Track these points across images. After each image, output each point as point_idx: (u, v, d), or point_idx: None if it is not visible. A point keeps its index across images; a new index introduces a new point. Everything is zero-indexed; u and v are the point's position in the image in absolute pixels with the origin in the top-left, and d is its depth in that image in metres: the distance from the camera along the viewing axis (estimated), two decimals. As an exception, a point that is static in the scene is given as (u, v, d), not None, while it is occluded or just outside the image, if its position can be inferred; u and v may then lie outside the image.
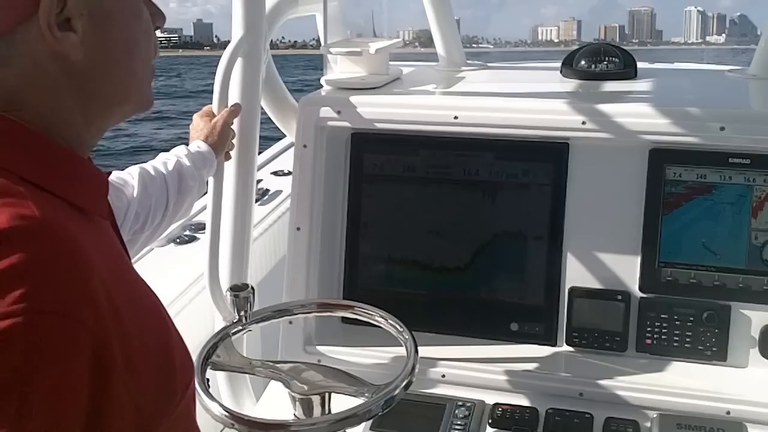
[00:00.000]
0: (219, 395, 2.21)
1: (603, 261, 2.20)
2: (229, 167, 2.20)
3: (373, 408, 1.55)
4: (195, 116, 2.19)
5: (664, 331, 2.15)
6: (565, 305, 2.22)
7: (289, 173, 3.30)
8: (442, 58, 2.98)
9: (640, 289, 2.17)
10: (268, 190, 3.71)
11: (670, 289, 2.16)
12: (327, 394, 1.68)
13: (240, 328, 1.87)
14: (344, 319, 2.30)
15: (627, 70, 2.59)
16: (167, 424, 1.10)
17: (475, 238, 2.29)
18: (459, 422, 2.02)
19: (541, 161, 2.23)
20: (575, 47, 2.91)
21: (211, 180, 2.12)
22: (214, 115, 2.14)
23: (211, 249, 2.10)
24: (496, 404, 2.09)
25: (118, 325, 0.99)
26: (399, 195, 2.34)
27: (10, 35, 1.03)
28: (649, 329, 2.16)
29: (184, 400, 1.16)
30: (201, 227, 3.09)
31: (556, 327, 2.23)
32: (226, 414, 1.58)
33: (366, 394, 1.62)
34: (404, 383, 1.61)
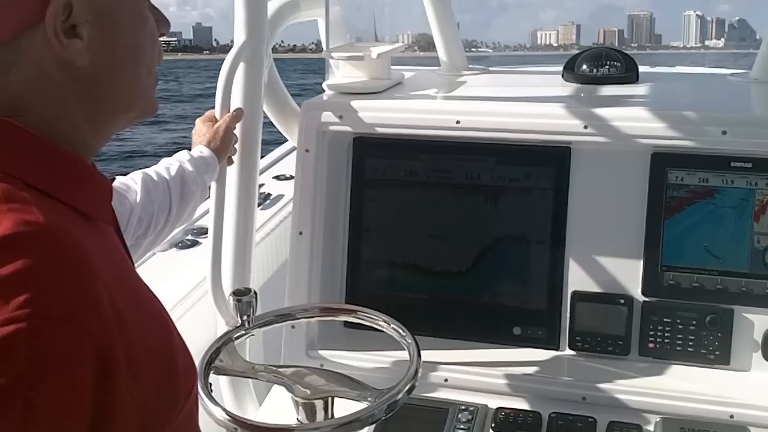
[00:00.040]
0: (222, 400, 2.21)
1: (605, 265, 2.20)
2: (232, 172, 2.20)
3: (376, 412, 1.56)
4: (197, 121, 2.19)
5: (666, 334, 2.15)
6: (568, 309, 2.22)
7: (291, 177, 3.30)
8: (443, 63, 2.99)
9: (643, 292, 2.17)
10: (270, 195, 3.71)
11: (673, 292, 2.15)
12: (330, 399, 1.68)
13: (243, 332, 1.87)
14: (347, 324, 2.30)
15: (628, 74, 2.59)
16: (170, 428, 1.10)
17: (477, 242, 2.29)
18: (462, 426, 2.02)
19: (543, 165, 2.24)
20: (574, 51, 2.91)
21: (213, 185, 2.12)
22: (216, 120, 2.14)
23: (214, 253, 2.10)
24: (499, 408, 2.09)
25: (122, 330, 0.99)
26: (401, 199, 2.34)
27: (16, 42, 1.03)
28: (651, 333, 2.16)
29: (187, 404, 1.16)
30: (203, 232, 3.09)
31: (559, 331, 2.23)
32: (229, 418, 1.58)
33: (369, 399, 1.62)
34: (407, 387, 1.61)
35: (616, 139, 2.12)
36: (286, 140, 3.00)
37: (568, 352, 2.23)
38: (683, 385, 2.08)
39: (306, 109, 2.35)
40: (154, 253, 2.96)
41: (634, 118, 2.12)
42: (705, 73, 3.65)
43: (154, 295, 1.21)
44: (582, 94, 2.49)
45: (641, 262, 2.17)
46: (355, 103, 2.30)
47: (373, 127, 2.29)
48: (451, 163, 2.29)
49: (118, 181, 1.89)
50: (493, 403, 2.11)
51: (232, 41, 2.18)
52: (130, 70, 1.17)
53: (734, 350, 2.12)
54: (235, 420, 1.59)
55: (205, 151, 2.07)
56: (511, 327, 2.27)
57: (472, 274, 2.29)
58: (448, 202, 2.30)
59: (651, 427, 2.02)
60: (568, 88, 2.57)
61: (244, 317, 1.86)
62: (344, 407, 1.61)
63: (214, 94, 2.13)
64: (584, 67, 2.60)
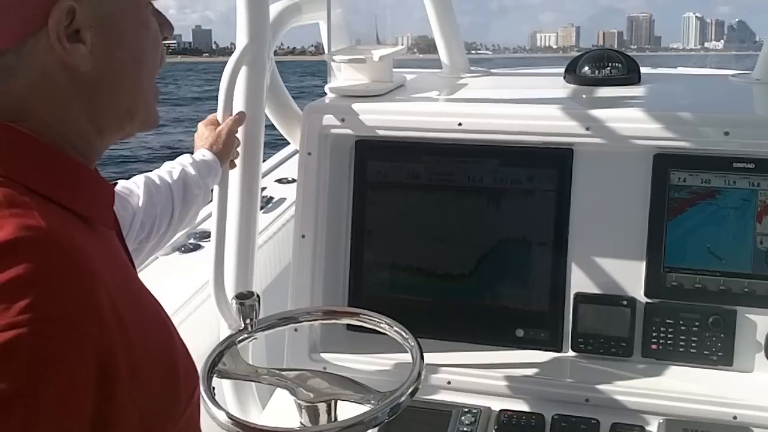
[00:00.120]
0: (225, 403, 2.21)
1: (608, 266, 2.20)
2: (234, 175, 2.20)
3: (379, 415, 1.55)
4: (200, 125, 2.19)
5: (669, 336, 2.14)
6: (571, 311, 2.22)
7: (293, 181, 3.30)
8: (445, 65, 2.99)
9: (646, 294, 2.17)
10: (272, 198, 3.71)
11: (676, 294, 2.15)
12: (333, 402, 1.68)
13: (246, 335, 1.87)
14: (350, 327, 2.30)
15: (630, 75, 2.59)
16: None
17: (479, 244, 2.29)
18: (465, 429, 2.02)
19: (545, 167, 2.23)
20: (574, 54, 2.91)
21: (216, 188, 2.13)
22: (218, 124, 2.14)
23: (217, 257, 2.10)
24: (502, 410, 2.08)
25: (123, 334, 0.99)
26: (403, 202, 2.34)
27: (19, 46, 1.03)
28: (654, 334, 2.16)
29: (188, 408, 1.16)
30: (206, 235, 3.09)
31: (562, 333, 2.23)
32: (233, 422, 1.58)
33: (372, 402, 1.62)
34: (410, 390, 1.61)
35: (619, 140, 2.12)
36: (286, 142, 3.00)
37: (571, 353, 2.23)
38: (686, 387, 2.08)
39: (308, 112, 2.35)
40: (157, 257, 2.97)
41: (636, 119, 2.12)
42: (707, 74, 3.65)
43: (156, 300, 1.21)
44: (584, 96, 2.49)
45: (644, 264, 2.17)
46: (357, 106, 2.30)
47: (375, 129, 2.29)
48: (453, 166, 2.29)
49: (121, 185, 1.89)
50: (496, 405, 2.11)
51: (231, 44, 2.19)
52: (132, 74, 1.17)
53: (737, 351, 2.12)
54: (239, 423, 1.58)
55: (208, 155, 2.08)
56: (513, 329, 2.27)
57: (475, 277, 2.29)
58: (450, 204, 2.30)
59: (654, 429, 2.01)
60: (570, 90, 2.57)
61: (247, 320, 1.86)
62: (347, 410, 1.61)
63: (213, 97, 2.14)
64: (586, 68, 2.60)
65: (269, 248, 3.21)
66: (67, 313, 0.92)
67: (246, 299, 1.85)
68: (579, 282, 2.22)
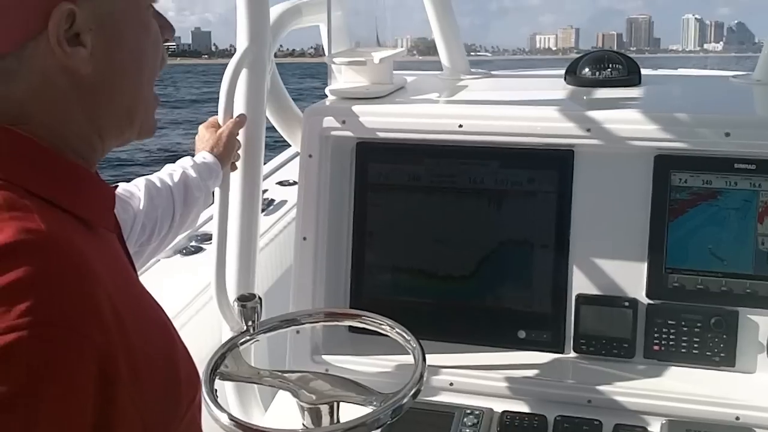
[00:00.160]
0: (227, 405, 2.21)
1: (609, 268, 2.20)
2: (235, 178, 2.20)
3: (381, 417, 1.55)
4: (200, 127, 2.19)
5: (671, 337, 2.14)
6: (572, 312, 2.22)
7: (294, 183, 3.31)
8: (445, 67, 2.99)
9: (647, 295, 2.17)
10: (273, 200, 3.71)
11: (677, 295, 2.15)
12: (335, 404, 1.68)
13: (248, 338, 1.87)
14: (351, 329, 2.30)
15: (631, 76, 2.59)
16: None
17: (480, 246, 2.29)
18: (467, 430, 2.02)
19: (546, 169, 2.24)
20: (573, 55, 2.92)
21: (217, 191, 2.13)
22: (219, 126, 2.14)
23: (218, 259, 2.10)
24: (505, 412, 2.08)
25: (124, 338, 0.99)
26: (404, 204, 2.34)
27: (20, 50, 1.03)
28: (656, 335, 2.16)
29: (189, 412, 1.16)
30: (207, 238, 3.09)
31: (564, 334, 2.23)
32: (235, 424, 1.58)
33: (374, 403, 1.62)
34: (412, 392, 1.61)
35: (619, 141, 2.12)
36: (286, 144, 3.00)
37: (573, 355, 2.23)
38: (688, 388, 2.07)
39: (309, 115, 2.35)
40: (159, 260, 2.97)
41: (637, 120, 2.12)
42: (707, 75, 3.65)
43: (157, 303, 1.21)
44: (584, 97, 2.49)
45: (645, 265, 2.17)
46: (358, 108, 2.30)
47: (376, 131, 2.29)
48: (454, 167, 2.29)
49: (122, 188, 1.89)
50: (499, 406, 2.11)
51: (231, 46, 2.20)
52: (132, 75, 1.17)
53: (739, 352, 2.12)
54: (241, 425, 1.58)
55: (208, 157, 2.08)
56: (515, 330, 2.27)
57: (476, 278, 2.29)
58: (451, 206, 2.30)
59: (657, 430, 2.02)
60: (570, 92, 2.57)
61: (249, 323, 1.85)
62: (350, 412, 1.61)
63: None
64: (586, 70, 2.60)
65: (271, 251, 3.21)
66: (67, 316, 0.92)
67: (248, 301, 1.84)
68: (580, 283, 2.22)
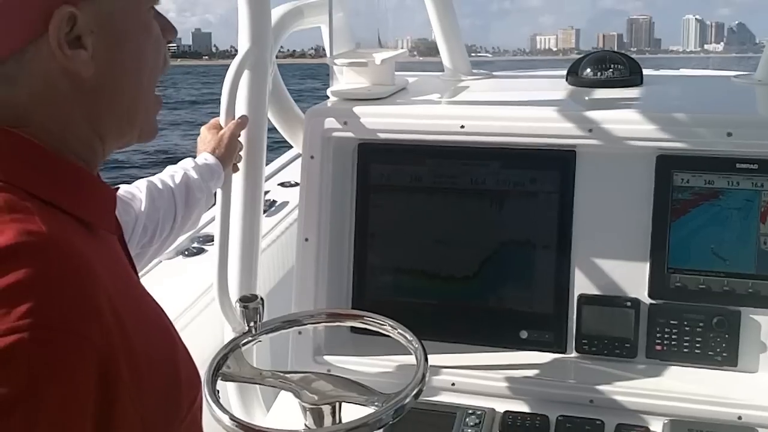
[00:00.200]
0: (230, 406, 2.21)
1: (611, 268, 2.20)
2: (237, 179, 2.20)
3: (383, 417, 1.55)
4: (202, 129, 2.19)
5: (674, 337, 2.14)
6: (575, 312, 2.22)
7: (296, 184, 3.31)
8: (447, 68, 2.99)
9: (650, 295, 2.17)
10: (275, 202, 3.71)
11: (680, 295, 2.15)
12: (337, 404, 1.68)
13: (250, 338, 1.87)
14: (353, 329, 2.30)
15: (633, 77, 2.59)
16: None
17: (482, 246, 2.29)
18: (469, 430, 2.02)
19: (548, 169, 2.24)
20: (574, 56, 2.93)
21: (219, 192, 2.13)
22: (221, 128, 2.14)
23: (220, 260, 2.10)
24: (507, 412, 2.08)
25: (124, 340, 0.99)
26: (406, 205, 2.34)
27: (21, 53, 1.03)
28: (658, 335, 2.16)
29: (190, 413, 1.16)
30: (209, 239, 3.09)
31: (566, 334, 2.23)
32: (237, 424, 1.58)
33: (376, 404, 1.62)
34: (414, 392, 1.61)
35: (621, 141, 2.12)
36: (286, 144, 3.00)
37: (575, 355, 2.23)
38: (691, 387, 2.07)
39: (310, 116, 2.35)
40: (161, 261, 2.97)
41: (639, 120, 2.12)
42: (709, 75, 3.65)
43: (158, 305, 1.21)
44: (586, 98, 2.49)
45: (647, 265, 2.17)
46: (360, 109, 2.30)
47: (377, 132, 2.29)
48: (456, 168, 2.29)
49: (123, 190, 1.89)
50: (501, 406, 2.11)
51: (231, 47, 2.21)
52: (133, 78, 1.16)
53: (741, 352, 2.12)
54: (243, 426, 1.59)
55: (210, 159, 2.08)
56: (517, 331, 2.27)
57: (478, 279, 2.29)
58: (453, 206, 2.30)
59: (659, 429, 2.01)
60: (572, 92, 2.57)
61: (251, 323, 1.86)
62: (352, 412, 1.61)
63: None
64: (588, 70, 2.60)
65: (272, 252, 3.21)
66: (68, 319, 0.92)
67: (250, 302, 1.85)
68: (583, 283, 2.22)
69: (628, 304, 2.17)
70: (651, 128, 2.10)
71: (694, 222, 2.14)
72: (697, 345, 2.13)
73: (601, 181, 2.19)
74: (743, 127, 2.07)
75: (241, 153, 2.19)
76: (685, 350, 2.14)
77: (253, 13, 2.16)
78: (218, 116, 2.16)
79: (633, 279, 2.18)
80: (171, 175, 2.03)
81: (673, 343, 2.15)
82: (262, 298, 1.87)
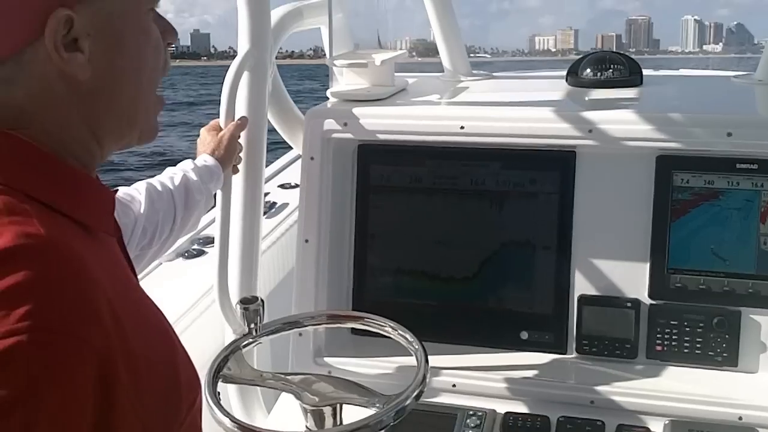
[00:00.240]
0: (230, 408, 2.21)
1: (612, 268, 2.20)
2: (237, 180, 2.20)
3: (384, 418, 1.55)
4: (202, 130, 2.19)
5: (674, 337, 2.14)
6: (575, 313, 2.22)
7: (296, 186, 3.31)
8: (447, 69, 2.99)
9: (650, 296, 2.17)
10: (275, 203, 3.71)
11: (680, 295, 2.15)
12: (338, 406, 1.68)
13: (250, 340, 1.87)
14: (354, 331, 2.30)
15: (632, 77, 2.58)
16: None
17: (483, 247, 2.29)
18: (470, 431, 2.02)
19: (548, 170, 2.24)
20: (573, 57, 2.93)
21: (218, 193, 2.12)
22: (221, 129, 2.14)
23: (220, 262, 2.10)
24: (508, 413, 2.08)
25: (123, 343, 0.99)
26: (406, 206, 2.34)
27: (18, 55, 1.03)
28: (659, 336, 2.16)
29: (189, 415, 1.16)
30: (209, 241, 3.09)
31: (566, 335, 2.23)
32: (238, 426, 1.58)
33: (377, 405, 1.62)
34: (415, 393, 1.61)
35: (621, 142, 2.12)
36: (284, 144, 3.00)
37: (576, 355, 2.23)
38: (691, 388, 2.07)
39: (310, 117, 2.35)
40: (161, 263, 2.97)
41: (639, 121, 2.12)
42: (709, 75, 3.65)
43: (157, 308, 1.21)
44: (586, 98, 2.49)
45: (648, 265, 2.17)
46: (360, 110, 2.30)
47: (377, 133, 2.29)
48: (455, 169, 2.29)
49: (122, 192, 1.89)
50: (501, 407, 2.11)
51: (230, 47, 2.20)
52: (131, 81, 1.16)
53: (742, 352, 2.12)
54: (244, 428, 1.59)
55: (209, 160, 2.07)
56: (518, 332, 2.27)
57: (479, 280, 2.29)
58: (453, 207, 2.30)
59: (659, 430, 2.01)
60: (572, 92, 2.57)
61: (252, 325, 1.85)
62: (353, 414, 1.61)
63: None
64: (588, 71, 2.60)
65: (273, 253, 3.21)
66: (67, 321, 0.92)
67: (250, 304, 1.84)
68: (583, 284, 2.22)
69: (629, 304, 2.17)
70: (651, 128, 2.10)
71: (694, 222, 2.14)
72: (698, 345, 2.13)
73: (601, 181, 2.19)
74: (743, 127, 2.07)
75: (241, 154, 2.19)
76: (686, 351, 2.14)
77: (252, 14, 2.15)
78: (216, 117, 2.16)
79: (633, 279, 2.18)
80: (170, 177, 2.02)
81: (673, 343, 2.15)
82: (262, 300, 1.86)
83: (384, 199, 2.35)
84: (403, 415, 1.58)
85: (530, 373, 2.19)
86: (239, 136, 2.15)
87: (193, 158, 2.12)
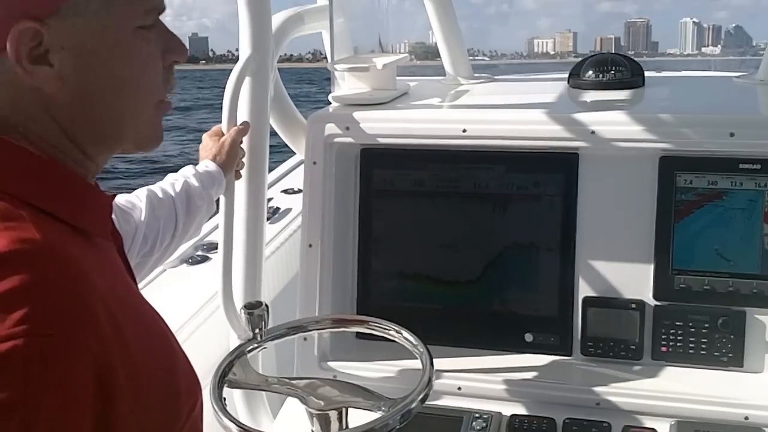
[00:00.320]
0: (236, 413, 2.21)
1: (616, 270, 2.20)
2: (240, 186, 2.20)
3: (390, 422, 1.55)
4: (204, 136, 2.19)
5: (679, 338, 2.14)
6: (579, 315, 2.21)
7: (299, 191, 3.31)
8: (448, 72, 2.99)
9: (654, 297, 2.17)
10: (278, 209, 3.71)
11: (684, 296, 2.15)
12: (344, 409, 1.68)
13: (255, 345, 1.87)
14: (359, 335, 2.30)
15: (635, 78, 2.59)
16: None
17: (486, 250, 2.28)
18: (476, 434, 2.02)
19: (551, 172, 2.23)
20: (571, 59, 2.93)
21: (222, 199, 2.13)
22: (223, 134, 2.14)
23: (225, 268, 2.10)
24: (513, 415, 2.08)
25: (122, 347, 1.00)
26: (409, 209, 2.34)
27: None
28: (664, 337, 2.15)
29: (189, 420, 1.17)
30: (213, 247, 3.09)
31: (571, 337, 2.23)
32: None
33: (383, 409, 1.62)
34: (420, 396, 1.61)
35: (624, 143, 2.12)
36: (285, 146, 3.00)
37: (581, 357, 2.22)
38: (697, 388, 2.07)
39: (312, 122, 2.35)
40: (165, 270, 2.97)
41: (641, 122, 2.11)
42: (711, 76, 3.65)
43: (157, 313, 1.21)
44: (588, 100, 2.49)
45: (652, 266, 2.16)
46: (362, 115, 2.30)
47: (380, 137, 2.30)
48: (458, 172, 2.29)
49: (123, 199, 1.88)
50: (507, 410, 2.11)
51: (228, 51, 2.21)
52: (110, 103, 1.14)
53: (747, 352, 2.11)
54: None
55: (211, 166, 2.07)
56: (522, 334, 2.27)
57: (483, 282, 2.29)
58: (456, 211, 2.30)
59: (666, 431, 2.01)
60: (574, 94, 2.57)
61: (256, 330, 1.86)
62: (358, 418, 1.61)
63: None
64: (590, 72, 2.60)
65: (277, 259, 3.22)
66: (63, 325, 0.93)
67: (255, 309, 1.85)
68: (587, 286, 2.21)
69: (633, 306, 2.17)
70: (653, 130, 2.10)
71: (697, 223, 2.13)
72: (703, 346, 2.13)
73: (604, 183, 2.19)
74: (746, 127, 2.06)
75: (244, 160, 2.19)
76: (691, 351, 2.14)
77: (253, 19, 2.16)
78: (211, 122, 2.16)
79: (637, 281, 2.18)
80: (171, 183, 2.02)
81: (678, 344, 2.14)
82: (266, 305, 1.86)
83: (387, 203, 2.35)
84: (408, 419, 1.58)
85: (535, 375, 2.19)
86: (241, 142, 2.16)
87: (195, 163, 2.12)
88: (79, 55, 1.07)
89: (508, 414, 2.09)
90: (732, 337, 2.11)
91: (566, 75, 2.70)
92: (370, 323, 1.91)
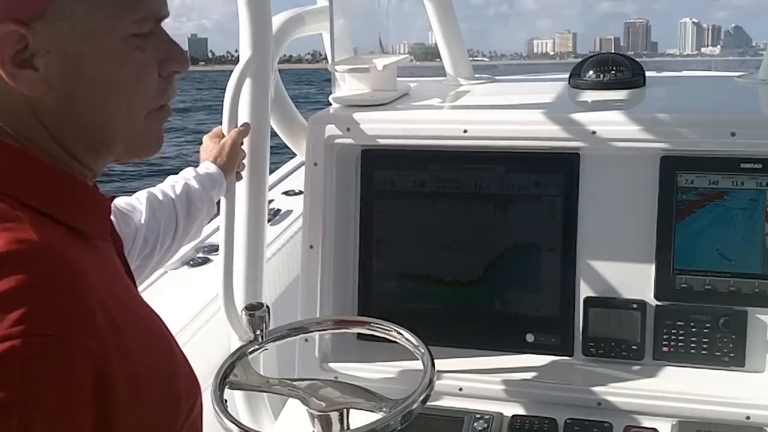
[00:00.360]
0: (237, 414, 2.21)
1: (617, 270, 2.19)
2: (241, 187, 2.20)
3: (391, 423, 1.55)
4: (204, 137, 2.20)
5: (680, 338, 2.14)
6: (581, 315, 2.21)
7: (300, 193, 3.31)
8: (449, 73, 2.99)
9: (656, 297, 2.17)
10: (279, 210, 3.71)
11: (686, 296, 2.15)
12: (345, 411, 1.68)
13: (256, 346, 1.87)
14: (360, 336, 2.30)
15: (635, 78, 2.58)
16: None
17: (488, 251, 2.28)
18: (478, 435, 2.02)
19: (552, 172, 2.23)
20: (571, 60, 2.93)
21: (223, 201, 2.13)
22: (223, 136, 2.14)
23: (225, 269, 2.10)
24: (515, 416, 2.08)
25: (120, 348, 1.00)
26: (410, 210, 2.34)
27: None
28: (665, 337, 2.15)
29: (189, 420, 1.17)
30: (214, 249, 3.10)
31: (572, 337, 2.23)
32: None
33: (384, 409, 1.62)
34: (422, 397, 1.61)
35: (625, 143, 2.12)
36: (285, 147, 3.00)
37: (582, 358, 2.22)
38: (699, 388, 2.07)
39: (313, 123, 2.35)
40: (166, 272, 2.97)
41: (642, 122, 2.11)
42: (712, 75, 3.65)
43: (156, 315, 1.21)
44: (589, 100, 2.49)
45: (653, 266, 2.16)
46: (362, 116, 2.30)
47: (380, 138, 2.30)
48: (459, 173, 2.29)
49: (123, 202, 1.88)
50: (509, 410, 2.11)
51: (228, 52, 2.21)
52: (99, 109, 1.13)
53: (749, 352, 2.11)
54: None
55: (212, 167, 2.08)
56: (524, 334, 2.27)
57: (484, 283, 2.28)
58: (457, 211, 2.30)
59: (667, 431, 2.01)
60: (575, 95, 2.57)
61: (258, 332, 1.85)
62: (360, 419, 1.61)
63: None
64: (591, 72, 2.60)
65: (278, 260, 3.22)
66: (60, 324, 0.93)
67: (256, 310, 1.84)
68: (588, 286, 2.21)
69: (635, 306, 2.17)
70: (654, 129, 2.10)
71: (699, 223, 2.13)
72: (704, 346, 2.13)
73: (606, 183, 2.19)
74: (747, 126, 2.06)
75: (245, 161, 2.19)
76: (692, 351, 2.14)
77: (253, 20, 2.16)
78: (208, 124, 2.16)
79: (639, 281, 2.18)
80: (172, 185, 2.02)
81: (680, 344, 2.14)
82: (267, 306, 1.86)
83: (388, 204, 2.35)
84: (410, 419, 1.58)
85: (536, 376, 2.18)
86: (242, 143, 2.16)
87: (194, 165, 2.12)
88: (65, 59, 1.07)
89: (510, 414, 2.09)
90: (733, 336, 2.11)
91: (566, 75, 2.70)
92: (372, 324, 1.91)
